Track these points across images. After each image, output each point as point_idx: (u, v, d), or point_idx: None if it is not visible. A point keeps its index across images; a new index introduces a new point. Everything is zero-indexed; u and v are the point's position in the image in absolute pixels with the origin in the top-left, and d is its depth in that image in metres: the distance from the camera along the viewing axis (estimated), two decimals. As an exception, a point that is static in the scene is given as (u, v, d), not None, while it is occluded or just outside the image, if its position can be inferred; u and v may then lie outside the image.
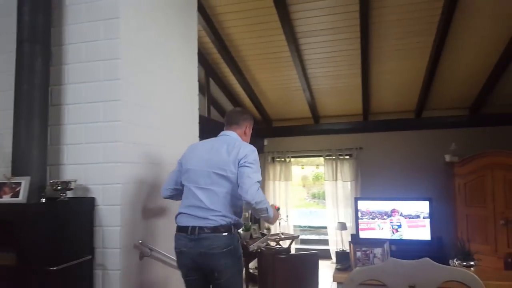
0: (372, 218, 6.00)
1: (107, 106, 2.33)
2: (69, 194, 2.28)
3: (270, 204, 2.33)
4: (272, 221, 2.45)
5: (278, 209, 2.93)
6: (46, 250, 2.00)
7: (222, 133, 2.52)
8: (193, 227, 2.25)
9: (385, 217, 5.96)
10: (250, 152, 2.32)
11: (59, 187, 2.21)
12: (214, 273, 2.25)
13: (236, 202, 2.33)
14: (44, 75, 2.27)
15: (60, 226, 2.12)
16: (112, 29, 2.35)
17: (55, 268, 1.97)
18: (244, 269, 2.46)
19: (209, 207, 2.26)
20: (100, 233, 2.31)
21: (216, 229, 2.24)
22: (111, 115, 2.33)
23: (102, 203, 2.32)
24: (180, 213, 2.36)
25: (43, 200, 2.17)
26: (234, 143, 2.37)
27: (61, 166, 2.41)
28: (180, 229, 2.31)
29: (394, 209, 5.90)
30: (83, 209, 2.29)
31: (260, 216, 2.32)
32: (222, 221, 2.26)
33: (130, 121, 2.42)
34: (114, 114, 2.33)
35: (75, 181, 2.30)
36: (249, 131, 2.59)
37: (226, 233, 2.26)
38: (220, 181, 2.30)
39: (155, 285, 2.67)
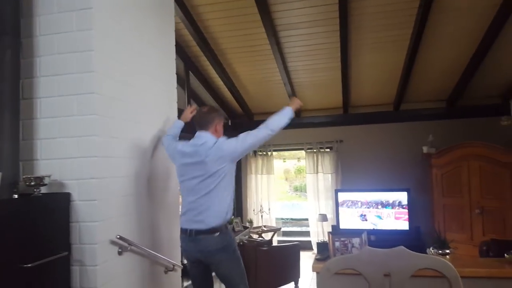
0: (352, 209, 6.09)
1: (81, 99, 2.28)
2: (44, 189, 2.22)
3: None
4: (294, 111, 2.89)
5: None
6: (20, 247, 1.95)
7: (196, 134, 2.73)
8: (191, 230, 2.61)
9: (364, 208, 6.05)
10: (220, 144, 2.58)
11: (32, 183, 2.15)
12: (212, 266, 2.67)
13: (225, 201, 2.62)
14: (14, 67, 2.20)
15: (34, 222, 2.07)
16: (85, 19, 2.28)
17: (30, 265, 1.92)
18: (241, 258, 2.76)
19: (202, 211, 2.59)
20: (77, 229, 2.26)
21: (209, 231, 2.57)
22: (86, 109, 2.27)
23: (78, 198, 2.27)
24: (182, 215, 2.73)
25: (16, 196, 2.11)
26: (206, 145, 2.59)
27: (35, 161, 2.34)
28: (182, 231, 2.69)
29: (372, 201, 5.99)
30: (58, 204, 2.24)
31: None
32: (213, 223, 2.57)
33: (106, 114, 2.38)
34: (88, 108, 2.27)
35: (49, 176, 2.25)
36: (220, 127, 2.78)
37: (218, 233, 2.58)
38: (207, 183, 2.57)
39: (134, 280, 2.64)
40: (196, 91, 6.25)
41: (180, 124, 3.12)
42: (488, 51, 4.86)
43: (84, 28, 2.28)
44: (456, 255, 2.56)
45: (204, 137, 2.66)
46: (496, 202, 5.13)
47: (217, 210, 2.60)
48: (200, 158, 2.58)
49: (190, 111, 3.13)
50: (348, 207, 6.13)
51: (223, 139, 2.63)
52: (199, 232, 2.58)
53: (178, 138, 3.00)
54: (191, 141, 2.71)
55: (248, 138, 2.61)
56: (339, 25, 4.53)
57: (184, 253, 2.81)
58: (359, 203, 6.09)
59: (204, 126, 2.72)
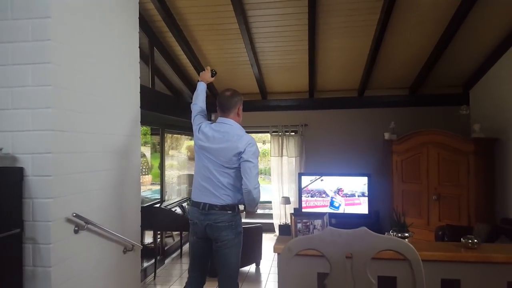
0: (312, 196, 6.19)
1: (36, 68, 2.15)
2: (-6, 163, 2.11)
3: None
4: (254, 209, 2.88)
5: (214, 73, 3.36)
6: (-33, 223, 1.84)
7: (221, 120, 2.91)
8: (204, 204, 2.78)
9: (325, 194, 6.16)
10: (249, 145, 2.75)
11: (-19, 156, 2.03)
12: (217, 242, 2.77)
13: (239, 185, 2.78)
14: (-38, 31, 2.05)
15: (-17, 197, 1.96)
16: (41, -16, 2.14)
17: (-23, 242, 1.83)
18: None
19: (219, 187, 2.76)
20: (30, 206, 2.16)
21: (223, 207, 2.76)
22: (41, 79, 2.15)
23: (31, 173, 2.17)
24: (194, 188, 2.88)
25: (-37, 169, 1.99)
26: (233, 137, 2.78)
27: (-15, 133, 2.21)
28: (194, 204, 2.84)
29: (335, 187, 6.10)
30: (9, 179, 2.13)
31: (251, 204, 2.78)
32: (228, 200, 2.77)
33: (62, 86, 2.26)
34: (44, 78, 2.15)
35: (1, 149, 2.13)
36: (240, 111, 2.98)
37: (230, 211, 2.77)
38: (227, 170, 2.78)
39: (91, 260, 2.56)
40: (160, 68, 6.08)
41: (204, 86, 3.27)
42: (450, 41, 4.98)
43: (40, -7, 2.14)
44: (414, 239, 2.63)
45: (230, 123, 2.88)
46: (452, 189, 5.33)
47: (233, 190, 2.78)
48: (226, 145, 2.77)
49: (210, 73, 3.32)
50: (312, 197, 6.21)
51: (250, 143, 2.78)
52: (212, 206, 2.75)
53: (205, 104, 3.20)
54: (215, 126, 2.90)
55: (255, 170, 2.78)
56: (308, 7, 4.50)
57: (192, 227, 2.88)
58: (320, 191, 6.17)
59: (227, 110, 2.90)
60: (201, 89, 3.24)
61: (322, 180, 6.19)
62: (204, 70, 3.35)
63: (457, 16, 4.48)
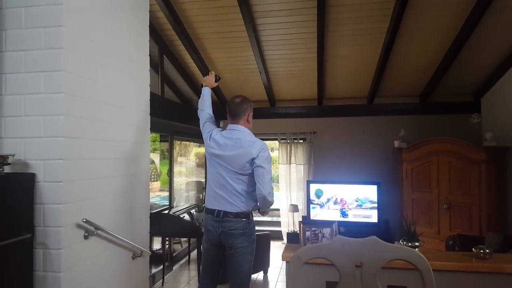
0: (321, 206, 6.14)
1: (49, 76, 2.18)
2: (7, 169, 2.13)
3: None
4: (268, 210, 2.95)
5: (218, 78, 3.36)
6: (-21, 228, 1.86)
7: (231, 127, 2.92)
8: (219, 211, 2.79)
9: (335, 202, 6.12)
10: (262, 151, 2.77)
11: (-5, 162, 2.06)
12: (231, 249, 2.78)
13: (253, 191, 2.81)
14: (-23, 40, 2.09)
15: (-5, 203, 1.98)
16: (55, -7, 2.18)
17: (-11, 246, 1.85)
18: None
19: (233, 194, 2.77)
20: (41, 211, 2.18)
21: (237, 215, 2.77)
22: (53, 87, 2.18)
23: (43, 179, 2.19)
24: (208, 196, 2.90)
25: (-24, 174, 2.02)
26: (246, 143, 2.80)
27: (-2, 139, 2.24)
28: (208, 211, 2.86)
29: (342, 198, 6.06)
30: (22, 185, 2.15)
31: (265, 206, 2.84)
32: (243, 208, 2.78)
33: (74, 93, 2.29)
34: (56, 86, 2.18)
35: (13, 155, 2.15)
36: (251, 117, 2.98)
37: (245, 219, 2.79)
38: (241, 176, 2.79)
39: (100, 265, 2.57)
40: (170, 75, 6.13)
41: (209, 92, 3.27)
42: (461, 49, 4.96)
43: (53, 3, 2.19)
44: (424, 248, 2.60)
45: (241, 130, 2.88)
46: (463, 198, 5.26)
47: (247, 196, 2.80)
48: (239, 152, 2.78)
49: (214, 78, 3.30)
50: (321, 208, 6.16)
51: (262, 148, 2.80)
52: (227, 214, 2.77)
53: (212, 109, 3.19)
54: (226, 133, 2.91)
55: (269, 176, 2.80)
56: (317, 16, 4.52)
57: (206, 235, 2.89)
58: (330, 199, 6.13)
59: (237, 117, 2.91)
60: (206, 95, 3.23)
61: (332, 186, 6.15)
62: (208, 74, 3.35)
63: (468, 23, 4.46)
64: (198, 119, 3.18)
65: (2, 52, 2.25)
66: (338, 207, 6.10)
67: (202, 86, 3.31)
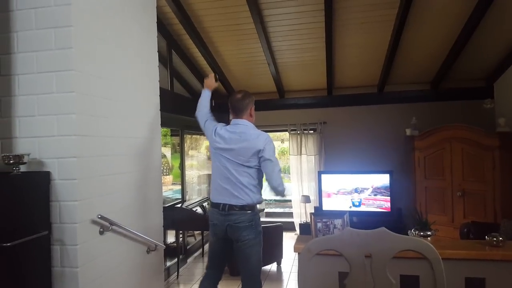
0: (335, 194, 6.15)
1: (60, 76, 2.22)
2: (23, 168, 2.18)
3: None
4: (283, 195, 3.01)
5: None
6: (-1, 226, 1.92)
7: (235, 121, 2.98)
8: (224, 204, 2.84)
9: (347, 192, 6.12)
10: (267, 143, 2.83)
11: (11, 161, 2.11)
12: (238, 242, 2.82)
13: (258, 184, 2.88)
14: (-11, 42, 2.13)
15: (13, 201, 2.03)
16: (63, -7, 2.21)
17: (9, 244, 1.90)
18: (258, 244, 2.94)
19: (238, 187, 2.81)
20: (57, 208, 2.23)
21: (243, 208, 2.81)
22: (65, 86, 2.22)
23: (58, 177, 2.24)
24: (213, 190, 2.95)
25: (-6, 174, 2.07)
26: (250, 136, 2.85)
27: (14, 139, 2.29)
28: (213, 205, 2.91)
29: (355, 188, 6.05)
30: (38, 183, 2.20)
31: (278, 195, 2.92)
32: (248, 200, 2.82)
33: (85, 92, 2.32)
34: (67, 85, 2.22)
35: (28, 154, 2.20)
36: (253, 111, 3.04)
37: (250, 211, 2.83)
38: (246, 169, 2.83)
39: (116, 260, 2.63)
40: (179, 70, 6.16)
41: (209, 93, 3.29)
42: (472, 33, 4.88)
43: (62, 3, 2.21)
44: (437, 236, 2.61)
45: (245, 124, 2.94)
46: (477, 184, 5.22)
47: (252, 189, 2.84)
48: (244, 144, 2.83)
49: (214, 79, 3.33)
50: (333, 198, 6.18)
51: (267, 141, 2.85)
52: (232, 207, 2.81)
53: (211, 111, 3.23)
54: (230, 127, 2.97)
55: (276, 168, 2.87)
56: (324, 4, 4.48)
57: (212, 228, 2.94)
58: (342, 190, 6.13)
59: (240, 112, 2.97)
60: (205, 97, 3.27)
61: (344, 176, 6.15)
62: (207, 76, 3.38)
63: (479, 7, 4.38)
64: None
65: (14, 53, 2.29)
66: (350, 197, 6.10)
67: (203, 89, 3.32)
